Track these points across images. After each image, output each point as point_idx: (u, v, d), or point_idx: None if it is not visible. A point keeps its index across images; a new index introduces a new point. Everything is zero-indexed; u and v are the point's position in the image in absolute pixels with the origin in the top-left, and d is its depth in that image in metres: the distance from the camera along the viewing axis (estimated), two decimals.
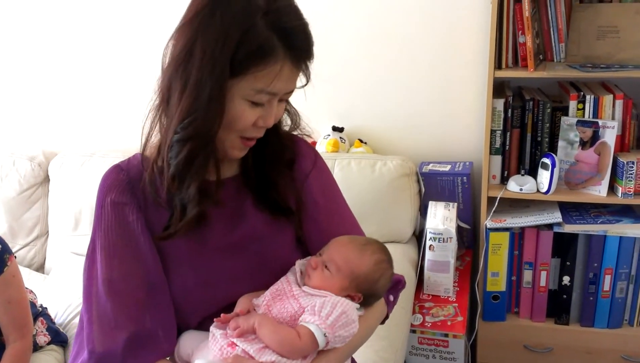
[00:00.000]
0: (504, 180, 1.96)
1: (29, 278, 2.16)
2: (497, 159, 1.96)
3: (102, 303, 0.88)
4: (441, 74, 2.10)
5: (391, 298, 1.06)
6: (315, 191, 1.02)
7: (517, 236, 1.94)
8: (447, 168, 2.07)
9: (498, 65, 1.86)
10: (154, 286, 0.90)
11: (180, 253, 0.92)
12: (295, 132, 1.01)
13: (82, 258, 2.18)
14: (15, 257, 1.64)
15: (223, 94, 0.82)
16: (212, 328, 0.90)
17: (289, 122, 0.99)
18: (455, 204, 1.99)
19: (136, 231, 0.91)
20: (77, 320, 1.92)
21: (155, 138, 0.91)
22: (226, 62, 0.80)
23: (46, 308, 1.89)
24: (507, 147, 1.94)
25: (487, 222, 1.93)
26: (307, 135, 1.02)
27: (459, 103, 2.13)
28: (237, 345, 0.86)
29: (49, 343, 1.77)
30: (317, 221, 1.01)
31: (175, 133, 0.85)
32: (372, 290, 0.95)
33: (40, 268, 2.29)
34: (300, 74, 0.88)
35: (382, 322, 1.06)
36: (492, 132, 1.92)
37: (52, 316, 1.91)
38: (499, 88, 1.95)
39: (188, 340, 0.93)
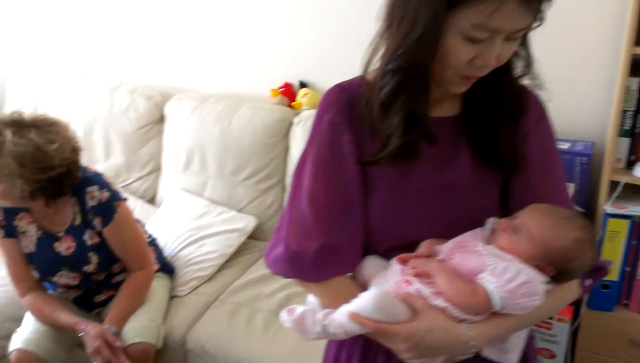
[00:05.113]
0: (630, 165, 1.84)
1: (142, 209, 2.29)
2: (625, 142, 1.82)
3: (301, 211, 0.92)
4: (567, 47, 1.98)
5: (587, 282, 0.97)
6: (534, 150, 0.95)
7: (638, 226, 1.82)
8: (566, 146, 1.96)
9: (637, 41, 1.72)
10: (352, 206, 0.92)
11: (384, 183, 0.92)
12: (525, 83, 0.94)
13: (190, 195, 2.29)
14: (126, 200, 1.73)
15: (437, 27, 0.80)
16: (393, 261, 0.91)
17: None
18: (572, 185, 1.90)
19: (346, 152, 0.92)
20: (184, 252, 2.04)
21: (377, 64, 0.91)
22: None
23: (156, 238, 2.00)
24: (638, 129, 1.81)
25: (607, 207, 1.82)
26: (538, 86, 0.94)
27: (584, 79, 2.00)
28: (412, 284, 0.86)
29: (157, 271, 1.89)
30: (527, 181, 0.94)
31: (388, 62, 0.85)
32: (564, 268, 0.88)
33: (152, 201, 2.42)
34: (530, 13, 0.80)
35: (572, 304, 0.99)
36: (623, 112, 1.79)
37: (161, 247, 2.02)
38: (634, 66, 1.82)
39: (370, 264, 0.94)
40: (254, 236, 2.20)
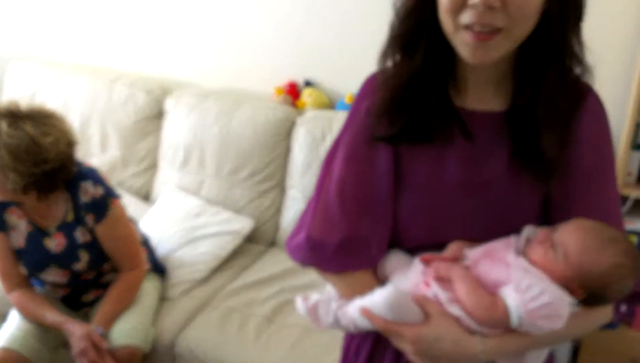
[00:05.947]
0: None
1: (135, 207, 2.23)
2: (637, 156, 1.78)
3: (329, 199, 0.90)
4: None
5: (623, 309, 0.90)
6: (584, 157, 0.85)
7: None
8: None
9: None
10: (381, 199, 0.89)
11: (419, 179, 0.88)
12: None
13: (185, 194, 2.24)
14: (120, 197, 1.69)
15: None
16: (417, 260, 0.88)
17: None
18: None
19: (382, 144, 0.89)
20: (177, 253, 1.99)
21: None
22: None
23: (148, 238, 1.95)
24: None
25: None
26: (589, 81, 0.86)
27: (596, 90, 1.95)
28: (430, 287, 0.83)
29: (148, 271, 1.83)
30: (572, 191, 0.85)
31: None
32: (598, 293, 0.81)
33: (146, 198, 2.36)
34: None
35: (603, 328, 0.91)
36: (636, 126, 1.74)
37: (154, 246, 1.97)
38: None
39: (394, 260, 0.91)
40: (250, 239, 2.15)
